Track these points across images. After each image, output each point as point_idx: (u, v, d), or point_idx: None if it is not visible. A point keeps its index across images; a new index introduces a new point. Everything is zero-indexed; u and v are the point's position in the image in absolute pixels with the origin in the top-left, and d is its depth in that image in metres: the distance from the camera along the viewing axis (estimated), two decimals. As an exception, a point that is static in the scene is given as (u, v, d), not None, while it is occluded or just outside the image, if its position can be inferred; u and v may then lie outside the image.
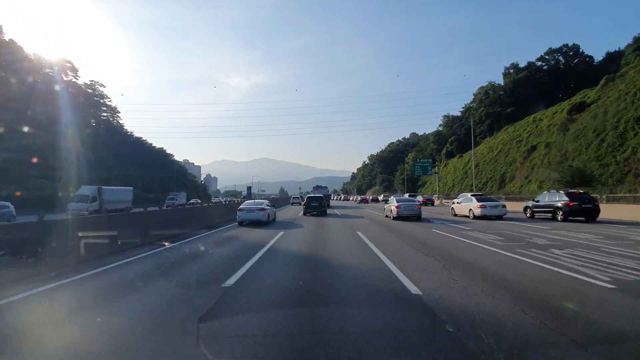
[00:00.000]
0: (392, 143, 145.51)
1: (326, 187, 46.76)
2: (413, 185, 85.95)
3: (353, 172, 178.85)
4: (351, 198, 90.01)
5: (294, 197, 62.36)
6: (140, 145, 77.83)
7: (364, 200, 67.78)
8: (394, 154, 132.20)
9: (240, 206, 17.65)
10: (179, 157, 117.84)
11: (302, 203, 28.66)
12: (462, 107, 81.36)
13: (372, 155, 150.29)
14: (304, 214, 24.58)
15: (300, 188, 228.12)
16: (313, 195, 28.32)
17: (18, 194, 33.46)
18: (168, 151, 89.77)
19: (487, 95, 71.45)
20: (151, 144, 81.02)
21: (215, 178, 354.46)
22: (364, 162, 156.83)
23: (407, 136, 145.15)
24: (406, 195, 50.15)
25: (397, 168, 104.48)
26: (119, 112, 76.09)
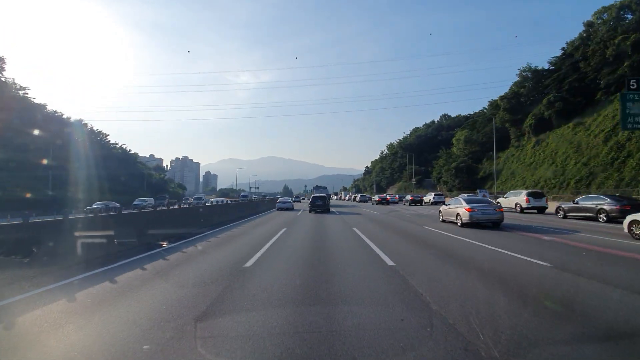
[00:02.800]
0: (418, 128, 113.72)
1: (326, 187, 44.67)
2: (469, 178, 54.55)
3: (367, 166, 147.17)
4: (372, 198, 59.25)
5: (295, 197, 76.29)
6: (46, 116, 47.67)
7: (384, 201, 43.38)
8: (423, 139, 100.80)
9: (278, 200, 36.50)
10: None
11: (308, 201, 31.64)
12: (564, 47, 49.32)
13: (391, 145, 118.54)
14: (310, 211, 25.88)
15: (305, 186, 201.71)
16: (318, 195, 29.11)
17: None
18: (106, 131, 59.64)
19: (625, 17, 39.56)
20: (69, 117, 50.77)
21: (215, 175, 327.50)
22: (382, 153, 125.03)
23: (437, 119, 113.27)
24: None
25: (436, 155, 73.13)
26: (5, 63, 46.45)
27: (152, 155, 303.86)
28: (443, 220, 16.11)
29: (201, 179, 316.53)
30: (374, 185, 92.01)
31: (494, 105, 61.17)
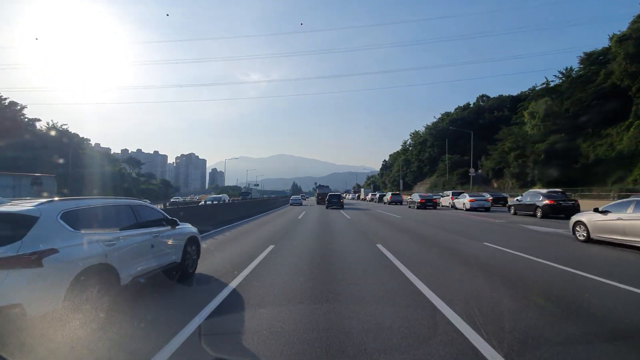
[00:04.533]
0: (449, 113, 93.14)
1: (328, 186, 47.07)
2: (568, 167, 34.62)
3: (385, 160, 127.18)
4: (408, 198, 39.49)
5: (302, 195, 77.65)
6: None
7: (429, 203, 26.82)
8: (459, 124, 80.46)
9: (290, 197, 44.97)
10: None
11: (325, 199, 33.52)
12: None
13: (416, 133, 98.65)
14: (327, 207, 29.32)
15: (315, 183, 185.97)
16: (334, 193, 32.74)
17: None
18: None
19: None
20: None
21: (222, 173, 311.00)
22: (405, 143, 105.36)
23: (473, 100, 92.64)
24: None
25: (488, 141, 53.25)
26: None
27: (156, 152, 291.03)
28: (588, 239, 9.00)
29: (207, 176, 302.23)
30: (401, 182, 72.12)
31: (591, 59, 40.90)
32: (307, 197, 79.34)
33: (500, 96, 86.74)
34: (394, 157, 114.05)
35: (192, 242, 5.65)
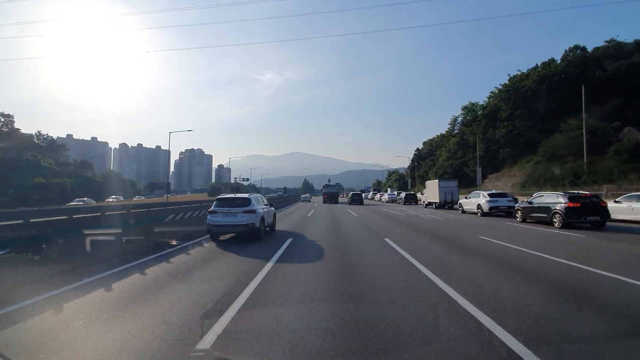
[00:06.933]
0: (524, 74, 62.47)
1: (335, 185, 52.26)
2: None
3: (417, 149, 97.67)
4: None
5: (309, 194, 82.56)
6: None
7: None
8: (557, 82, 50.51)
9: (302, 196, 63.59)
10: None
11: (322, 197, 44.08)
12: None
13: (472, 105, 68.93)
14: (349, 204, 35.07)
15: (329, 180, 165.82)
16: (355, 192, 41.42)
17: None
18: None
19: None
20: None
21: (229, 169, 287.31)
22: (454, 121, 75.65)
23: (559, 56, 61.88)
24: None
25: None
26: None
27: (158, 147, 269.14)
28: None
29: (214, 173, 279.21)
30: (479, 171, 41.61)
31: None
32: (312, 196, 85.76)
33: (611, 41, 56.09)
34: (435, 143, 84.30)
35: (275, 215, 13.23)
